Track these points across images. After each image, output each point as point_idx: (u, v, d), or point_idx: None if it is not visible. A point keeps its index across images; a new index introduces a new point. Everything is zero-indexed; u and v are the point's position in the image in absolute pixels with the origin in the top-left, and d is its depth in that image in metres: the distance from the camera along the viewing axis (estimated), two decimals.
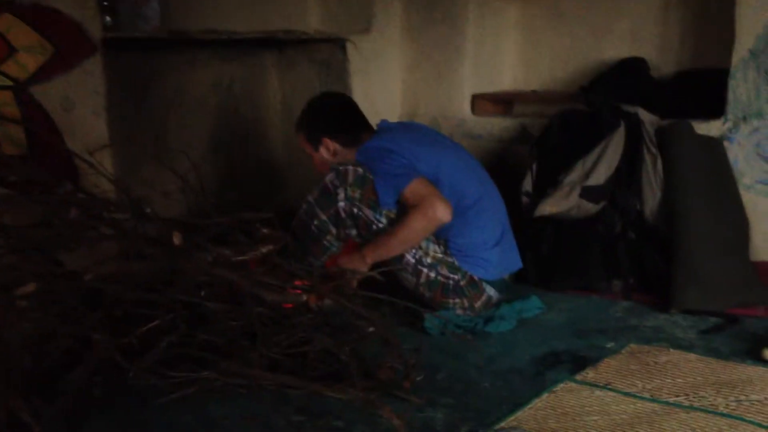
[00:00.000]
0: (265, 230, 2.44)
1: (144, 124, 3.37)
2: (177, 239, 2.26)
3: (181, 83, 3.50)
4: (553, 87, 3.74)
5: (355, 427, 1.92)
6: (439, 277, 2.56)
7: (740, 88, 2.91)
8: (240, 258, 2.34)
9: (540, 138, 3.17)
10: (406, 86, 3.84)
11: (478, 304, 2.60)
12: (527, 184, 3.05)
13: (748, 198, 2.93)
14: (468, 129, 3.67)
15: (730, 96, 2.93)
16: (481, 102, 3.68)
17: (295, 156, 3.87)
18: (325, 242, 2.64)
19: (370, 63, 3.75)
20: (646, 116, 3.00)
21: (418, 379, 2.13)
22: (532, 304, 2.71)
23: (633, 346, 2.41)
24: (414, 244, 2.54)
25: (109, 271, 2.28)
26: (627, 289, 2.88)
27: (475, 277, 2.58)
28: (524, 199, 3.02)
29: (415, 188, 2.50)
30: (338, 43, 3.73)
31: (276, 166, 3.91)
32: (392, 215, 2.57)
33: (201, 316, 2.31)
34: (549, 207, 2.92)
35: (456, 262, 2.56)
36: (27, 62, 2.56)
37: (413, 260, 2.57)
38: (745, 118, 2.91)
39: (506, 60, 3.88)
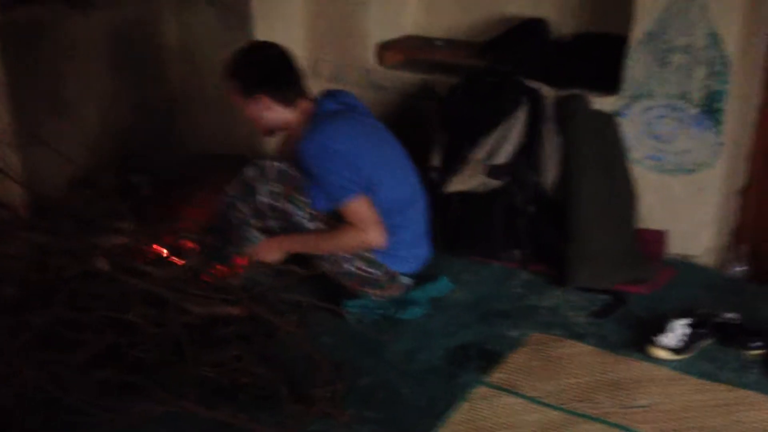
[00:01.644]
0: (187, 241, 2.49)
1: (40, 79, 3.24)
2: (102, 264, 2.28)
3: (75, 32, 3.35)
4: (453, 35, 3.77)
5: None
6: (357, 270, 2.69)
7: (635, 68, 3.06)
8: (165, 275, 2.39)
9: (444, 107, 3.24)
10: (310, 33, 3.79)
11: (392, 293, 2.75)
12: (435, 159, 3.15)
13: (636, 171, 3.14)
14: (373, 80, 3.69)
15: (626, 74, 3.08)
16: (385, 52, 3.68)
17: (193, 98, 3.82)
18: (247, 234, 2.70)
19: (274, 8, 3.66)
20: (547, 91, 3.12)
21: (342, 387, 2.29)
22: (442, 286, 2.88)
23: (534, 335, 2.64)
24: (336, 254, 2.64)
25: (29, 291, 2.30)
26: (525, 259, 3.09)
27: (393, 270, 2.71)
28: (432, 174, 3.13)
29: (355, 208, 2.57)
30: None
31: (175, 110, 3.84)
32: (313, 212, 2.64)
33: (127, 332, 2.37)
34: (457, 185, 3.06)
35: (375, 258, 2.67)
36: None
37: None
38: (638, 97, 3.08)
39: (409, 3, 3.86)
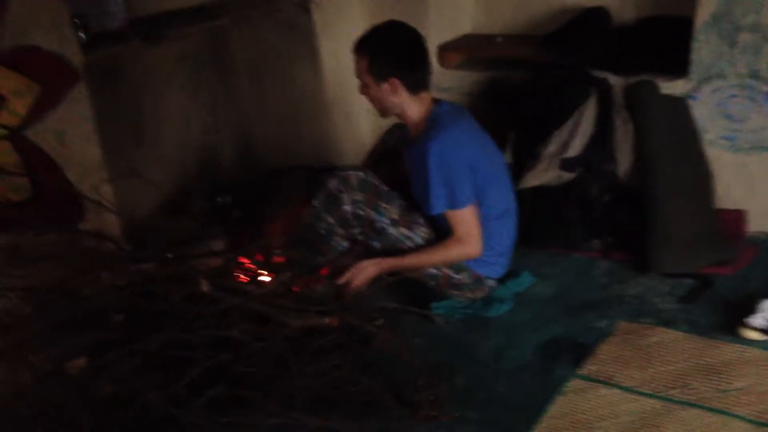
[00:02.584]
0: (277, 256, 2.60)
1: (120, 112, 3.38)
2: (205, 286, 2.40)
3: (147, 62, 3.49)
4: (512, 31, 3.81)
5: None
6: (442, 275, 2.76)
7: (702, 51, 3.06)
8: (261, 291, 2.49)
9: (512, 105, 3.29)
10: None
11: (479, 294, 2.81)
12: (507, 157, 3.20)
13: (711, 152, 3.15)
14: (436, 82, 3.69)
15: (693, 57, 3.08)
16: (446, 53, 3.74)
17: (263, 114, 3.93)
18: (333, 242, 2.79)
19: (333, 20, 3.75)
20: (614, 80, 3.15)
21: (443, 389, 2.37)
22: (525, 279, 2.94)
23: (622, 323, 2.67)
24: (439, 266, 2.73)
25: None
26: (605, 247, 3.12)
27: (481, 275, 2.78)
28: None
29: (466, 217, 2.63)
30: (299, 2, 3.70)
31: (247, 128, 3.96)
32: (395, 216, 2.71)
33: (232, 350, 2.48)
34: (531, 181, 3.11)
35: (463, 264, 2.74)
36: (17, 107, 2.56)
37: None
38: (708, 79, 3.08)
39: (466, 3, 3.91)
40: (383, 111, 2.77)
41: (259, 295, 2.47)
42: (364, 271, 2.71)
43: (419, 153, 2.66)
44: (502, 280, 2.91)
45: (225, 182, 3.66)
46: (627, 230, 3.09)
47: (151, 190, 3.22)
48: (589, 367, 2.46)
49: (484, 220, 2.68)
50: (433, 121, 2.67)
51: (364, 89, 2.73)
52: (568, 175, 3.10)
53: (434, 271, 2.75)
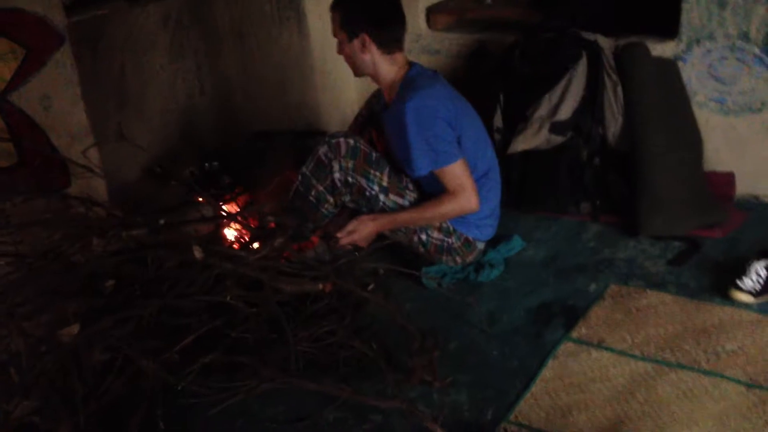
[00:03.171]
0: (272, 222, 2.58)
1: (104, 75, 3.32)
2: (198, 253, 2.38)
3: (130, 24, 3.42)
4: None
5: (393, 419, 2.18)
6: (432, 239, 2.75)
7: (692, 12, 3.05)
8: (256, 257, 2.48)
9: (502, 67, 3.27)
10: None
11: (469, 259, 2.82)
12: (497, 120, 3.19)
13: (700, 115, 3.15)
14: (425, 44, 3.71)
15: (684, 19, 3.07)
16: (435, 15, 3.70)
17: (248, 78, 3.88)
18: (323, 210, 2.78)
19: None
20: (605, 43, 3.13)
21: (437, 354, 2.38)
22: (515, 244, 2.94)
23: (613, 287, 2.69)
24: (430, 229, 2.72)
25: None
26: (595, 211, 3.13)
27: (470, 238, 2.78)
28: (496, 135, 3.17)
29: (455, 171, 2.61)
30: None
31: (231, 91, 3.91)
32: (385, 183, 2.70)
33: (226, 316, 2.47)
34: (521, 144, 3.10)
35: (451, 227, 2.74)
36: (2, 71, 2.51)
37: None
38: (698, 41, 3.07)
39: None
40: (355, 70, 2.76)
41: (252, 260, 2.44)
42: (364, 225, 2.70)
43: (396, 115, 2.64)
44: (492, 245, 2.91)
45: (210, 148, 3.62)
46: (616, 193, 3.10)
47: (137, 155, 3.18)
48: (581, 331, 2.48)
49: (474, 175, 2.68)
50: (409, 83, 2.65)
51: (340, 47, 2.70)
52: (557, 139, 3.09)
53: (423, 236, 2.74)
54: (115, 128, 3.13)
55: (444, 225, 2.73)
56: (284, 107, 3.90)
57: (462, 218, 2.72)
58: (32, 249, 2.40)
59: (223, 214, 2.70)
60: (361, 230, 2.71)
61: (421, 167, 2.61)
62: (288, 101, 3.90)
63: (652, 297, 2.61)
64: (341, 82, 3.83)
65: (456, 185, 2.61)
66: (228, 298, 2.40)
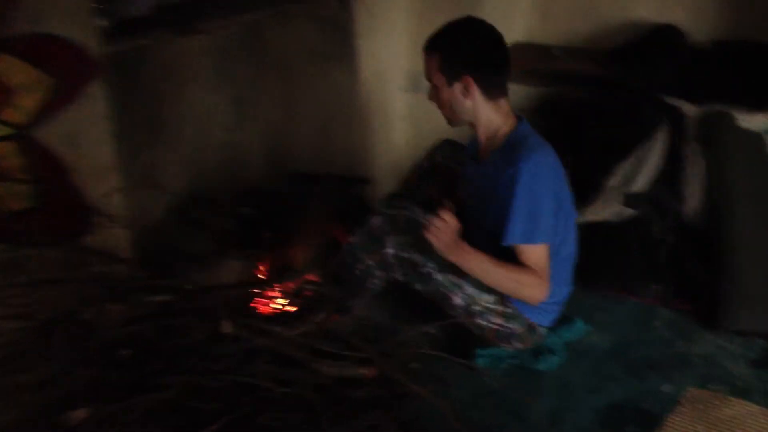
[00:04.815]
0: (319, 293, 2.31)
1: (136, 107, 3.06)
2: (227, 327, 2.10)
3: (174, 53, 3.17)
4: (572, 43, 3.49)
5: None
6: (492, 325, 2.46)
7: None
8: (291, 333, 2.20)
9: (572, 127, 2.98)
10: (414, 44, 3.52)
11: (529, 344, 2.51)
12: None
13: None
14: None
15: None
16: None
17: (294, 115, 3.62)
18: (369, 285, 2.49)
19: (376, 20, 3.43)
20: (689, 109, 2.84)
21: None
22: (578, 329, 2.64)
23: (691, 390, 2.38)
24: (502, 291, 2.40)
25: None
26: (666, 294, 2.82)
27: (534, 323, 2.47)
28: None
29: (540, 254, 2.29)
30: None
31: (272, 128, 3.65)
32: (443, 260, 2.40)
33: (252, 397, 2.19)
34: (590, 215, 2.82)
35: (516, 311, 2.43)
36: (26, 103, 2.26)
37: (463, 303, 2.44)
38: None
39: (519, 7, 3.58)
40: (453, 117, 2.41)
41: (288, 336, 2.16)
42: (447, 235, 2.28)
43: (495, 173, 2.31)
44: (552, 328, 2.60)
45: (248, 189, 3.35)
46: (692, 277, 2.79)
47: (166, 197, 2.91)
48: None
49: (551, 262, 2.35)
50: (520, 140, 2.32)
51: (434, 92, 2.39)
52: (630, 212, 2.78)
53: (483, 322, 2.44)
54: (144, 169, 2.86)
55: (508, 309, 2.42)
56: (328, 148, 3.64)
57: (529, 304, 2.41)
58: (43, 309, 2.12)
59: (260, 279, 2.40)
60: (442, 236, 2.29)
61: (513, 236, 2.28)
62: (332, 142, 3.63)
63: (737, 406, 2.30)
64: (390, 125, 3.56)
65: (533, 266, 2.30)
66: (260, 380, 2.11)
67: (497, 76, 2.33)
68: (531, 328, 2.46)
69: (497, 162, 2.29)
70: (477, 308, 2.43)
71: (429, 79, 2.37)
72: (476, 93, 2.31)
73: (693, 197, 2.79)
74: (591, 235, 2.86)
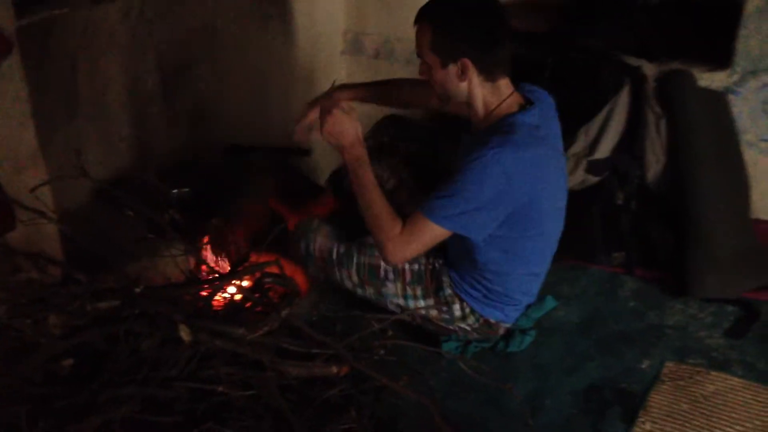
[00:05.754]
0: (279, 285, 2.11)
1: (50, 83, 2.76)
2: (185, 334, 1.89)
3: (86, 22, 2.86)
4: None
5: None
6: (436, 328, 2.35)
7: (751, 40, 2.67)
8: (253, 336, 2.00)
9: None
10: (351, 2, 3.31)
11: (495, 334, 2.38)
12: None
13: (749, 156, 2.79)
14: None
15: (740, 47, 2.69)
16: None
17: (222, 82, 3.36)
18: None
19: None
20: (649, 70, 2.72)
21: None
22: (548, 306, 2.53)
23: (669, 365, 2.31)
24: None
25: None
26: (629, 262, 2.73)
27: (492, 321, 2.33)
28: None
29: (429, 233, 2.07)
30: None
31: (201, 98, 3.38)
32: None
33: (216, 404, 1.99)
34: None
35: (469, 309, 2.29)
36: None
37: (398, 310, 2.35)
38: (754, 73, 2.69)
39: None
40: (445, 99, 2.16)
41: (251, 338, 1.96)
42: (341, 126, 2.12)
43: (471, 149, 2.06)
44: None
45: (178, 165, 3.08)
46: (656, 244, 2.70)
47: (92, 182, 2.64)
48: (644, 426, 2.07)
49: (519, 259, 2.21)
50: (512, 128, 2.03)
51: (425, 69, 2.12)
52: (593, 179, 2.66)
53: (428, 326, 2.37)
54: (67, 152, 2.58)
55: (444, 316, 2.32)
56: (263, 119, 3.39)
57: (487, 299, 2.28)
58: None
59: (213, 274, 2.18)
60: (336, 125, 2.13)
61: (432, 211, 2.05)
62: (268, 111, 3.38)
63: (718, 381, 2.23)
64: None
65: (408, 233, 2.07)
66: (220, 387, 1.91)
67: (498, 55, 2.05)
68: (486, 324, 2.32)
69: (478, 139, 2.09)
70: (421, 312, 2.32)
71: (420, 55, 2.10)
72: (474, 76, 2.06)
73: (655, 162, 2.69)
74: None
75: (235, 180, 2.98)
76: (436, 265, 2.29)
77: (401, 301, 2.30)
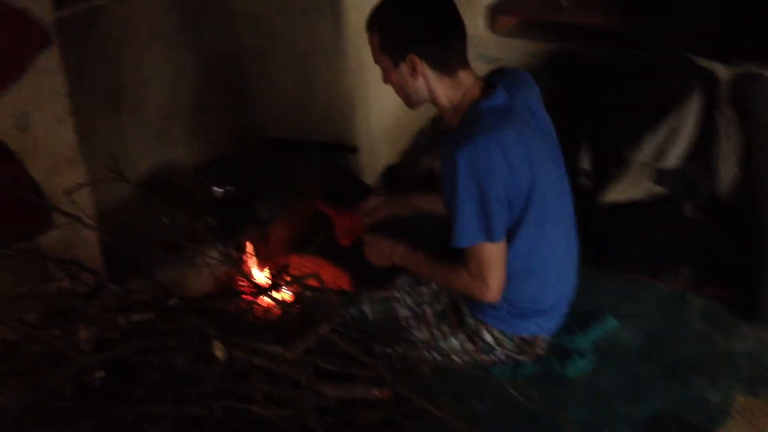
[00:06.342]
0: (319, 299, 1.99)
1: (96, 74, 2.67)
2: (219, 352, 1.77)
3: (129, 12, 2.77)
4: None
5: None
6: (469, 357, 2.20)
7: None
8: (291, 354, 1.88)
9: (588, 91, 2.66)
10: None
11: (536, 355, 2.23)
12: (584, 161, 2.58)
13: None
14: (483, 50, 3.08)
15: None
16: (498, 15, 3.06)
17: (268, 75, 3.24)
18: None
19: None
20: (722, 73, 2.53)
21: None
22: (608, 326, 2.37)
23: (740, 399, 2.13)
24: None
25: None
26: (697, 280, 2.55)
27: (526, 336, 2.17)
28: (583, 180, 2.56)
29: (484, 255, 1.96)
30: None
31: (252, 92, 3.27)
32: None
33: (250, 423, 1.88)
34: (616, 194, 2.54)
35: (495, 331, 2.14)
36: None
37: (438, 356, 2.20)
38: None
39: None
40: (408, 100, 2.07)
41: (288, 356, 1.84)
42: (378, 250, 2.23)
43: (444, 153, 1.97)
44: (580, 325, 2.32)
45: (220, 161, 2.98)
46: (726, 261, 2.52)
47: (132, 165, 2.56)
48: None
49: (525, 256, 2.05)
50: (477, 116, 1.94)
51: (384, 76, 2.06)
52: (659, 190, 2.49)
53: (462, 358, 2.21)
54: (107, 145, 2.50)
55: (483, 342, 2.17)
56: (308, 113, 3.27)
57: (513, 313, 2.12)
58: None
59: (250, 285, 2.06)
60: (372, 251, 2.25)
61: (467, 235, 1.96)
62: (313, 106, 3.25)
63: None
64: (380, 88, 3.18)
65: (476, 267, 1.99)
66: (256, 407, 1.80)
67: (448, 48, 1.97)
68: (523, 342, 2.17)
69: (450, 139, 1.95)
70: (455, 357, 2.19)
71: (376, 62, 2.04)
72: (426, 70, 1.97)
73: (727, 171, 2.50)
74: (615, 215, 2.59)
75: (279, 177, 2.87)
76: (452, 296, 2.16)
77: (433, 347, 2.17)
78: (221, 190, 2.67)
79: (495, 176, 1.90)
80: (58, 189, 2.08)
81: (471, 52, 2.93)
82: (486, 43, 3.06)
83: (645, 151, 2.52)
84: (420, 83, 1.99)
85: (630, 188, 2.53)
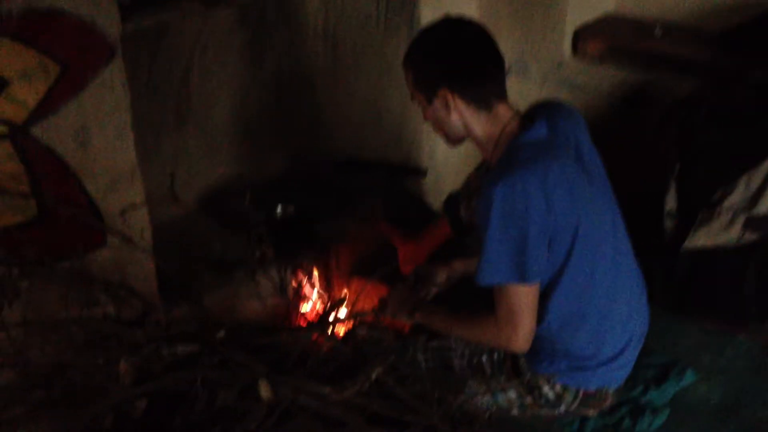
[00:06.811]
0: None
1: (163, 89, 2.62)
2: (265, 392, 1.68)
3: (200, 25, 2.70)
4: (676, 19, 2.95)
5: None
6: (529, 410, 2.06)
7: None
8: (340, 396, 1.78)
9: (680, 127, 2.49)
10: (485, 14, 3.04)
11: (602, 407, 2.08)
12: (671, 201, 2.41)
13: None
14: (566, 76, 2.94)
15: None
16: (584, 40, 2.90)
17: (339, 93, 3.15)
18: None
19: None
20: None
21: None
22: (687, 380, 2.20)
23: None
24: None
25: None
26: None
27: (592, 390, 2.02)
28: (668, 222, 2.39)
29: (515, 298, 1.84)
30: None
31: (320, 110, 3.19)
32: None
33: None
34: (704, 239, 2.35)
35: (557, 386, 1.99)
36: (25, 95, 1.82)
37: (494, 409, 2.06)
38: None
39: None
40: (447, 137, 1.99)
41: (337, 398, 1.74)
42: (401, 309, 2.17)
43: (482, 194, 1.86)
44: (656, 378, 2.15)
45: (285, 179, 2.90)
46: None
47: (191, 185, 2.50)
48: None
49: (572, 299, 1.91)
50: (516, 151, 1.84)
51: (423, 113, 1.99)
52: (750, 236, 2.30)
53: (519, 412, 2.07)
54: (170, 161, 2.44)
55: (541, 398, 2.03)
56: (380, 134, 3.17)
57: (574, 366, 1.98)
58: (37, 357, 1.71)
59: (304, 321, 1.97)
60: (395, 304, 2.19)
61: (491, 275, 1.84)
62: (383, 127, 3.16)
63: None
64: None
65: (505, 311, 1.87)
66: None
67: (481, 83, 1.89)
68: (586, 396, 2.02)
69: (489, 176, 1.84)
70: (504, 401, 2.06)
71: (413, 99, 1.98)
72: (461, 106, 1.88)
73: None
74: (701, 260, 2.41)
75: (343, 199, 2.78)
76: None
77: (490, 399, 2.04)
78: (281, 210, 2.58)
79: (532, 213, 1.78)
80: (116, 206, 2.02)
81: (551, 78, 2.82)
82: (570, 69, 2.91)
83: (738, 195, 2.34)
84: (455, 119, 1.91)
85: (720, 234, 2.35)
